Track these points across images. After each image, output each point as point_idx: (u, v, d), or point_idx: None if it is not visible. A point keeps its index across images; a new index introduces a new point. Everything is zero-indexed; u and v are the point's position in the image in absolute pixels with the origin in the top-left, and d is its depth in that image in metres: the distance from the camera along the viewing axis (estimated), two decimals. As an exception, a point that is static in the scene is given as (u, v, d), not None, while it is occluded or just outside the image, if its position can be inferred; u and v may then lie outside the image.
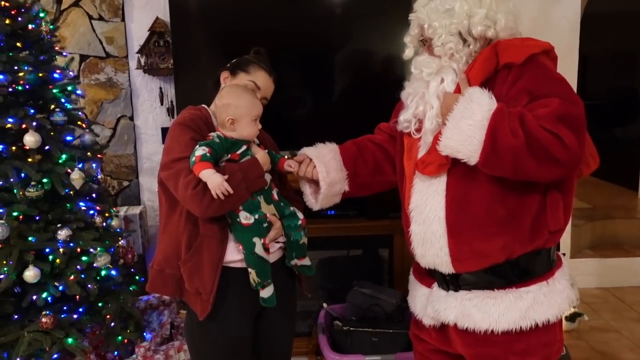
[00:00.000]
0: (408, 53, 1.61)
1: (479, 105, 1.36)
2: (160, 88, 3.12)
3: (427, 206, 1.52)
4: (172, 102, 3.11)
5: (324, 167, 1.72)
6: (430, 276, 1.63)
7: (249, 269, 1.62)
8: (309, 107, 3.00)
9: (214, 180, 1.50)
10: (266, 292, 1.64)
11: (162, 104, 3.14)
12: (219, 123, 1.66)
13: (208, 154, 1.53)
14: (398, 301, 2.69)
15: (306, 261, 1.75)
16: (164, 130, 3.18)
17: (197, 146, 1.56)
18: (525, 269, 1.51)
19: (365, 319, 2.64)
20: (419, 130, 1.55)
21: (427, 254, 1.55)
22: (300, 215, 1.73)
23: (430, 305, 1.60)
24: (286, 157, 1.75)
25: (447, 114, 1.41)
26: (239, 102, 1.61)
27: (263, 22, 2.79)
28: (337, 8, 2.85)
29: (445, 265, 1.53)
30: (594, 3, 5.01)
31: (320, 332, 2.60)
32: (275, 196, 1.70)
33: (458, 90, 1.46)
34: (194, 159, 1.53)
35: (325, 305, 2.78)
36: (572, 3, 3.26)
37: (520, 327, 1.48)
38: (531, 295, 1.50)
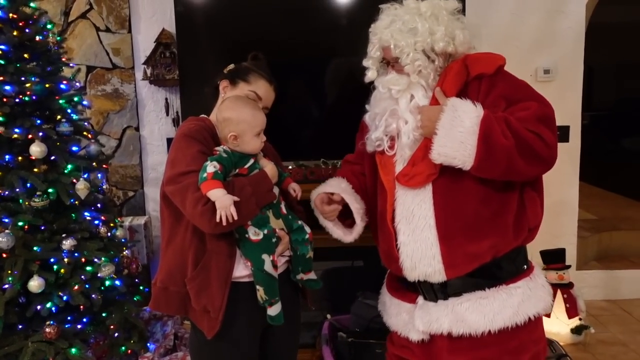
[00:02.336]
0: (371, 75, 1.65)
1: (465, 113, 1.45)
2: (166, 99, 3.14)
3: (415, 216, 1.56)
4: (177, 112, 3.13)
5: (353, 198, 1.72)
6: (412, 291, 1.65)
7: (257, 286, 1.59)
8: (313, 117, 3.01)
9: (223, 202, 1.46)
10: (274, 310, 1.61)
11: (167, 114, 3.16)
12: (221, 138, 1.62)
13: (219, 172, 1.49)
14: (402, 313, 2.68)
15: (312, 275, 1.73)
16: (170, 141, 3.17)
17: (208, 161, 1.51)
18: (510, 266, 1.59)
19: (370, 330, 2.63)
20: (391, 147, 1.61)
21: (419, 265, 1.57)
22: (308, 229, 1.71)
23: (419, 318, 1.60)
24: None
25: (432, 125, 1.47)
26: (240, 117, 1.57)
27: (268, 33, 2.81)
28: (342, 19, 2.87)
29: (437, 274, 1.56)
30: (599, 14, 5.02)
31: (324, 343, 2.59)
32: (284, 210, 1.67)
33: (434, 103, 1.54)
34: (205, 175, 1.48)
35: (329, 316, 2.77)
36: (576, 13, 3.26)
37: (515, 323, 1.54)
38: (520, 290, 1.57)
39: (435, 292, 1.59)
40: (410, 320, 1.64)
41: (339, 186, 1.74)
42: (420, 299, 1.63)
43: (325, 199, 1.73)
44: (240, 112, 1.58)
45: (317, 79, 2.92)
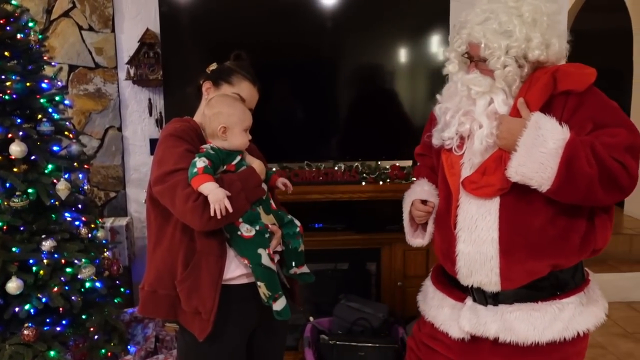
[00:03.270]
0: (452, 68, 1.58)
1: (550, 133, 1.38)
2: (150, 99, 3.12)
3: (477, 227, 1.52)
4: (161, 113, 3.10)
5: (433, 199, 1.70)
6: (462, 291, 1.62)
7: (258, 283, 1.58)
8: (298, 119, 3.01)
9: (217, 195, 1.45)
10: (279, 305, 1.60)
11: (150, 115, 3.14)
12: (209, 133, 1.62)
13: (209, 166, 1.49)
14: (385, 315, 2.69)
15: (305, 268, 1.74)
16: (153, 142, 3.16)
17: (197, 158, 1.51)
18: (566, 281, 1.55)
19: (352, 333, 2.64)
20: (459, 146, 1.56)
21: (475, 274, 1.54)
22: (298, 222, 1.72)
23: (466, 319, 1.58)
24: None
25: (512, 140, 1.41)
26: (230, 110, 1.59)
27: (253, 34, 2.80)
28: (328, 21, 2.87)
29: (492, 285, 1.53)
30: (580, 21, 5.09)
31: (307, 346, 2.59)
32: (274, 205, 1.68)
33: (514, 113, 1.47)
34: (195, 170, 1.48)
35: (311, 318, 2.77)
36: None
37: (564, 338, 1.52)
38: (572, 305, 1.54)
39: (486, 297, 1.57)
40: (453, 317, 1.61)
41: (425, 190, 1.72)
42: (469, 300, 1.60)
43: (418, 203, 1.70)
44: (231, 106, 1.61)
45: (301, 80, 2.92)
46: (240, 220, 1.57)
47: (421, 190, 1.73)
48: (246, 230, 1.56)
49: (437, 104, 1.63)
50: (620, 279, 3.78)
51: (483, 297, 1.57)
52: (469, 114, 1.51)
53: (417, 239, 1.77)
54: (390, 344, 2.55)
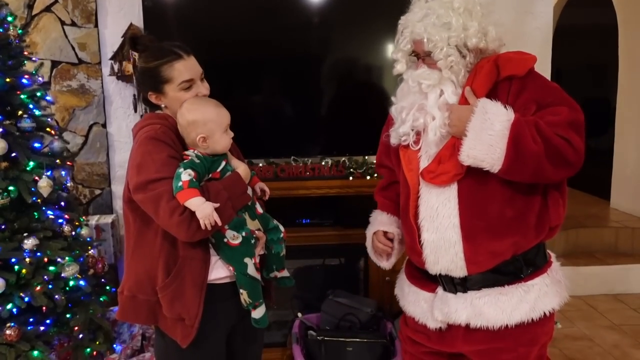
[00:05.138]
0: (400, 68, 1.64)
1: (496, 116, 1.46)
2: (134, 95, 3.07)
3: (439, 214, 1.58)
4: (146, 109, 3.05)
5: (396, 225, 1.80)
6: (432, 281, 1.68)
7: (240, 290, 1.56)
8: (284, 114, 2.99)
9: (204, 211, 1.42)
10: (258, 313, 1.60)
11: (135, 111, 3.09)
12: (188, 143, 1.55)
13: (194, 180, 1.44)
14: (373, 310, 2.69)
15: (285, 272, 1.73)
16: (138, 138, 3.13)
17: (181, 169, 1.45)
18: (529, 263, 1.62)
19: (340, 329, 2.63)
20: (416, 142, 1.62)
21: (441, 260, 1.60)
22: (282, 227, 1.70)
23: (438, 309, 1.64)
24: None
25: (462, 126, 1.48)
26: (205, 117, 1.51)
27: (238, 30, 2.78)
28: (314, 17, 2.85)
29: (459, 270, 1.59)
30: (566, 16, 5.12)
31: (295, 342, 2.57)
32: (259, 210, 1.65)
33: (463, 101, 1.54)
34: (180, 183, 1.42)
35: (299, 314, 2.76)
36: (544, 14, 3.31)
37: (531, 319, 1.58)
38: (537, 287, 1.61)
39: (454, 284, 1.62)
40: (429, 309, 1.67)
41: (380, 221, 1.82)
42: (439, 290, 1.66)
43: (380, 235, 1.79)
44: (204, 112, 1.53)
45: (288, 75, 2.90)
46: (226, 227, 1.53)
47: (378, 220, 1.83)
48: (232, 238, 1.53)
49: (393, 105, 1.69)
50: (606, 272, 3.81)
51: (452, 285, 1.63)
52: (422, 109, 1.58)
53: (382, 263, 1.84)
54: (378, 339, 2.54)
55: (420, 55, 1.59)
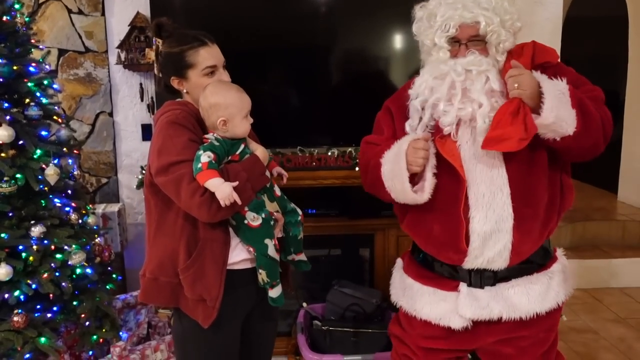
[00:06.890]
0: (443, 55, 1.55)
1: (556, 84, 1.45)
2: (141, 84, 3.08)
3: (492, 204, 1.52)
4: (152, 98, 3.06)
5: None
6: (452, 278, 1.62)
7: (259, 270, 1.58)
8: (291, 105, 2.98)
9: (224, 191, 1.44)
10: (275, 292, 1.62)
11: (142, 100, 3.10)
12: (208, 125, 1.57)
13: (213, 161, 1.47)
14: (378, 301, 2.69)
15: (302, 256, 1.75)
16: (144, 127, 3.13)
17: (201, 151, 1.48)
18: (547, 250, 1.66)
19: (345, 319, 2.64)
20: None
21: (486, 252, 1.54)
22: (299, 211, 1.72)
23: (466, 306, 1.58)
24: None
25: (530, 90, 1.43)
26: (227, 101, 1.53)
27: (246, 19, 2.76)
28: (322, 6, 2.83)
29: (502, 261, 1.55)
30: (576, 7, 5.06)
31: (300, 331, 2.58)
32: (278, 192, 1.68)
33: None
34: (200, 165, 1.45)
35: (305, 304, 2.77)
36: (554, 5, 3.27)
37: (558, 304, 1.60)
38: (557, 273, 1.64)
39: (482, 279, 1.58)
40: (452, 308, 1.60)
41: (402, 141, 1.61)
42: (463, 287, 1.60)
43: (419, 141, 1.56)
44: (227, 95, 1.55)
45: (295, 65, 2.89)
46: (246, 208, 1.55)
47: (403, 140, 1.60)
48: (253, 219, 1.55)
49: (417, 98, 1.58)
50: (613, 265, 3.79)
51: (479, 280, 1.58)
52: (466, 97, 1.51)
53: (418, 194, 1.59)
54: (383, 329, 2.54)
55: (462, 42, 1.53)
